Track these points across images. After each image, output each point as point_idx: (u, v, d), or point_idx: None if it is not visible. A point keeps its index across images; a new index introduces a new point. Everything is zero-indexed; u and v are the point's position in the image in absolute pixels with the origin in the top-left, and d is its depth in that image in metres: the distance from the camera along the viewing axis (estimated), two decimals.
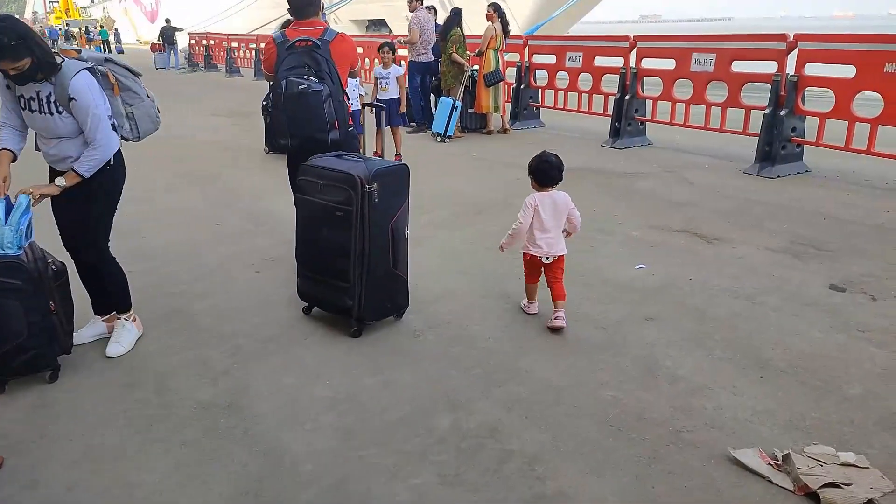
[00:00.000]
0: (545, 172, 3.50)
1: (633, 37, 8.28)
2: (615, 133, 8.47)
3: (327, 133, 3.56)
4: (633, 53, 8.29)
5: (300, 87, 3.47)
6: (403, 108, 7.50)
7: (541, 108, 10.12)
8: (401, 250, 3.36)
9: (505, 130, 9.62)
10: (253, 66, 19.95)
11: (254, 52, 20.40)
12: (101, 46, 29.37)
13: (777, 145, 6.61)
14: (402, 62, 9.44)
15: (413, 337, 3.39)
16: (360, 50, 15.18)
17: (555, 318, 3.41)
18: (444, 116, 8.98)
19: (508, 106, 10.20)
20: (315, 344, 3.35)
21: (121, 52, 31.05)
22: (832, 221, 5.19)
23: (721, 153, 7.69)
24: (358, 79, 7.44)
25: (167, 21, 25.33)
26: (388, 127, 7.62)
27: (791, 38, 6.50)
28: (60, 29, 41.64)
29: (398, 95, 7.41)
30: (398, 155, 7.65)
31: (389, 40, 8.16)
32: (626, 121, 8.33)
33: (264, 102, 3.77)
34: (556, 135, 9.46)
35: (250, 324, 3.57)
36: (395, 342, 3.35)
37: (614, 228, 5.14)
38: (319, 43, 3.58)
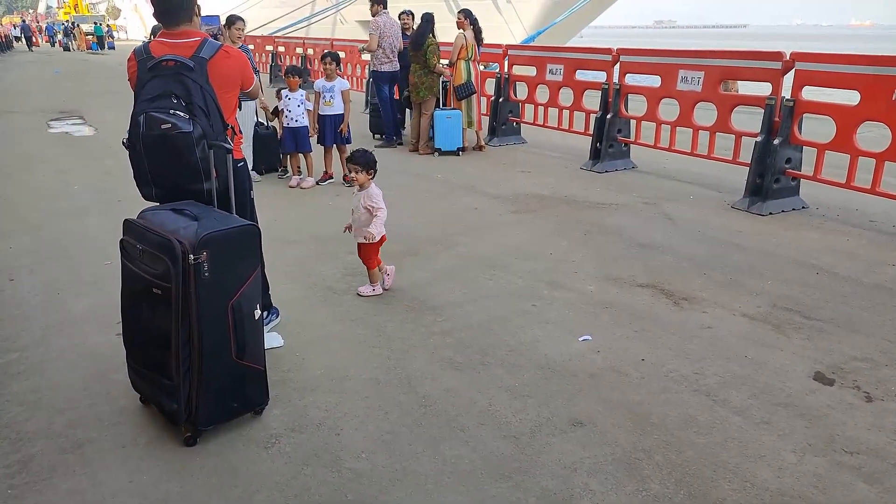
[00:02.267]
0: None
1: (617, 50, 7.49)
2: (595, 155, 7.67)
3: (201, 184, 2.80)
4: (617, 68, 7.50)
5: (163, 126, 2.70)
6: (346, 125, 6.73)
7: (521, 124, 9.33)
8: (249, 334, 2.60)
9: (480, 148, 8.85)
10: None
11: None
12: (96, 44, 28.74)
13: (769, 178, 5.80)
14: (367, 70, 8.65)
15: (264, 447, 2.63)
16: (341, 55, 14.49)
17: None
18: (448, 130, 8.33)
19: (486, 120, 9.44)
20: (133, 456, 2.59)
21: (112, 47, 30.37)
22: (826, 278, 4.37)
23: (712, 181, 6.88)
24: (303, 91, 6.72)
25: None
26: (334, 146, 6.88)
27: (787, 58, 5.69)
28: (59, 25, 41.20)
29: (343, 111, 6.65)
30: (347, 176, 6.90)
31: (333, 50, 7.42)
32: (607, 142, 7.53)
33: (124, 140, 2.95)
34: (534, 154, 8.67)
35: (65, 418, 2.82)
36: (237, 455, 2.59)
37: (567, 280, 4.36)
38: (192, 63, 2.81)
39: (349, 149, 6.89)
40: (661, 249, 4.97)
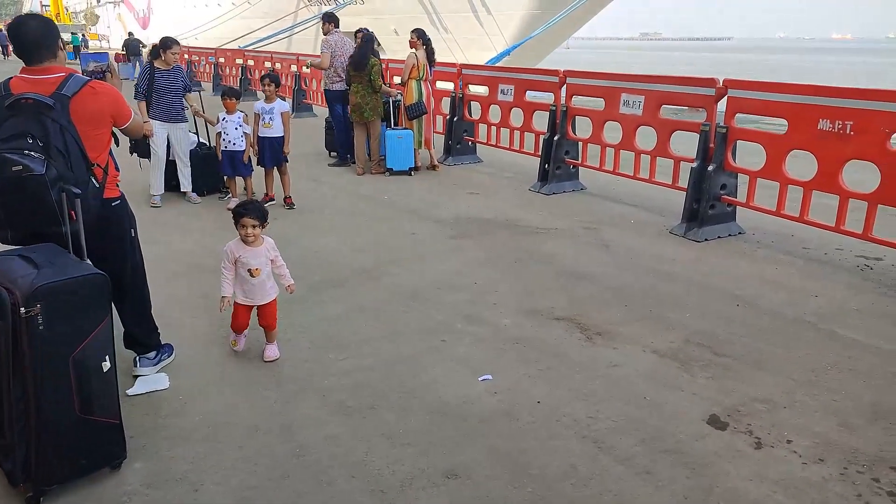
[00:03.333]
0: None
1: (563, 72, 7.45)
2: (544, 176, 7.61)
3: (59, 226, 2.67)
4: (564, 90, 7.46)
5: (14, 168, 2.58)
6: (287, 149, 6.63)
7: (477, 143, 9.27)
8: (97, 388, 2.47)
9: (434, 167, 8.77)
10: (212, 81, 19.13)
11: (213, 66, 19.60)
12: (73, 53, 28.46)
13: (705, 203, 5.76)
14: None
15: None
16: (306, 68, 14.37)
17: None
18: (400, 150, 8.24)
19: (442, 139, 9.37)
20: None
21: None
22: (745, 310, 4.31)
23: (657, 204, 6.83)
24: (241, 114, 6.62)
25: (130, 34, 24.64)
26: (275, 168, 6.77)
27: (720, 84, 5.66)
28: None
29: (283, 133, 6.55)
30: (288, 198, 6.79)
31: (273, 72, 7.33)
32: (555, 163, 7.48)
33: None
34: (487, 174, 8.60)
35: None
36: None
37: (484, 313, 4.26)
38: (52, 101, 2.69)
39: (287, 168, 6.82)
40: (590, 279, 4.89)
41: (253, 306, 3.59)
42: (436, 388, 3.36)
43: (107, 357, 2.48)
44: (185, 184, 6.99)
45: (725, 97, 5.60)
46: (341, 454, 2.83)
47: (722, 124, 5.61)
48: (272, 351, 3.66)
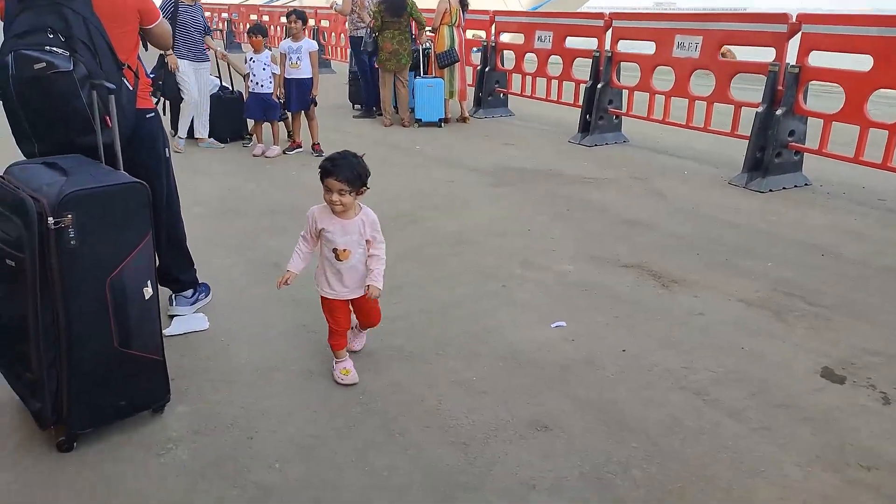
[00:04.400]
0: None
1: (609, 14, 6.96)
2: (585, 127, 7.17)
3: (95, 135, 2.30)
4: (609, 34, 6.97)
5: (37, 65, 2.20)
6: (316, 91, 6.20)
7: (509, 96, 8.80)
8: (137, 318, 2.12)
9: (464, 119, 8.33)
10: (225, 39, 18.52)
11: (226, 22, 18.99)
12: None
13: (771, 152, 5.32)
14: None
15: (156, 454, 2.16)
16: (325, 23, 13.84)
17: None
18: (430, 100, 7.82)
19: (472, 91, 8.90)
20: None
21: None
22: (831, 260, 3.92)
23: (709, 156, 6.41)
24: (268, 52, 6.20)
25: None
26: (301, 113, 6.36)
27: (794, 20, 5.18)
28: None
29: (311, 75, 6.12)
30: (317, 145, 6.39)
31: (299, 9, 6.87)
32: (597, 113, 7.03)
33: None
34: (521, 126, 8.16)
35: None
36: (120, 464, 2.11)
37: (542, 259, 3.89)
38: None
39: (316, 112, 6.40)
40: (649, 227, 4.50)
41: (345, 301, 2.58)
42: (503, 334, 3.01)
43: (148, 282, 2.13)
44: (202, 130, 6.59)
45: (799, 34, 5.12)
46: (410, 402, 2.48)
47: (793, 64, 5.14)
48: (362, 340, 2.84)
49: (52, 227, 1.88)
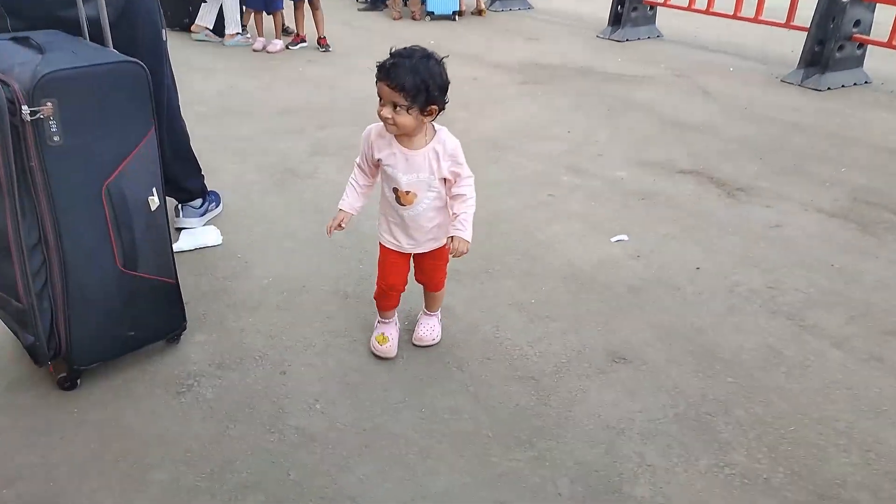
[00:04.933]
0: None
1: None
2: (616, 20, 6.52)
3: (75, 4, 1.83)
4: None
5: None
6: None
7: None
8: (141, 234, 1.73)
9: (480, 12, 7.62)
10: None
11: None
12: None
13: (832, 45, 4.78)
14: None
15: (175, 393, 1.84)
16: None
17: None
18: None
19: None
20: None
21: None
22: None
23: (754, 52, 5.83)
24: None
25: None
26: (305, 2, 5.71)
27: None
28: None
29: None
30: (323, 39, 5.79)
31: None
32: (630, 4, 6.36)
33: None
34: (542, 20, 7.46)
35: None
36: (133, 406, 1.79)
37: (590, 165, 3.47)
38: None
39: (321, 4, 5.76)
40: (703, 130, 4.04)
41: (407, 255, 1.93)
42: (558, 250, 2.64)
43: (154, 189, 1.72)
44: (210, 20, 5.97)
45: None
46: (464, 331, 2.15)
47: None
48: (428, 329, 2.05)
49: (29, 117, 1.46)
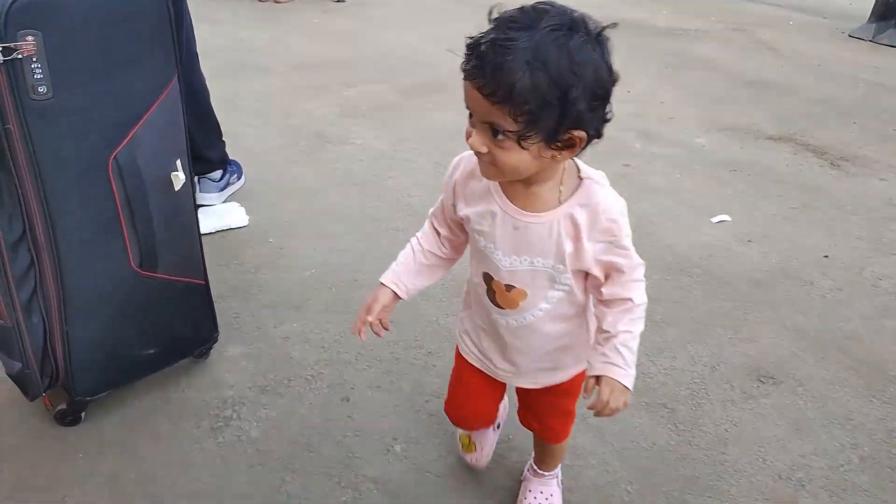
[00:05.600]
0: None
1: None
2: None
3: None
4: None
5: None
6: None
7: None
8: (162, 222, 1.28)
9: None
10: None
11: None
12: None
13: None
14: None
15: (209, 429, 1.41)
16: None
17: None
18: None
19: None
20: None
21: None
22: None
23: (812, 4, 5.33)
24: None
25: None
26: None
27: None
28: None
29: None
30: None
31: None
32: None
33: None
34: None
35: None
36: (154, 447, 1.36)
37: (663, 129, 3.02)
38: None
39: None
40: (779, 89, 3.58)
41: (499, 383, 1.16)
42: (654, 232, 2.20)
43: (177, 161, 1.27)
44: None
45: None
46: None
47: None
48: (538, 496, 1.26)
49: (1, 59, 0.99)
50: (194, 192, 1.37)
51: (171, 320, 1.39)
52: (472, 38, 0.79)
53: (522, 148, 0.80)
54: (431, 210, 1.07)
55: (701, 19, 4.98)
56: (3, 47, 0.99)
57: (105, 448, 1.35)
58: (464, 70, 0.79)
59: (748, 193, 2.48)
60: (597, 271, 0.93)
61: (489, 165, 0.85)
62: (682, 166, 2.68)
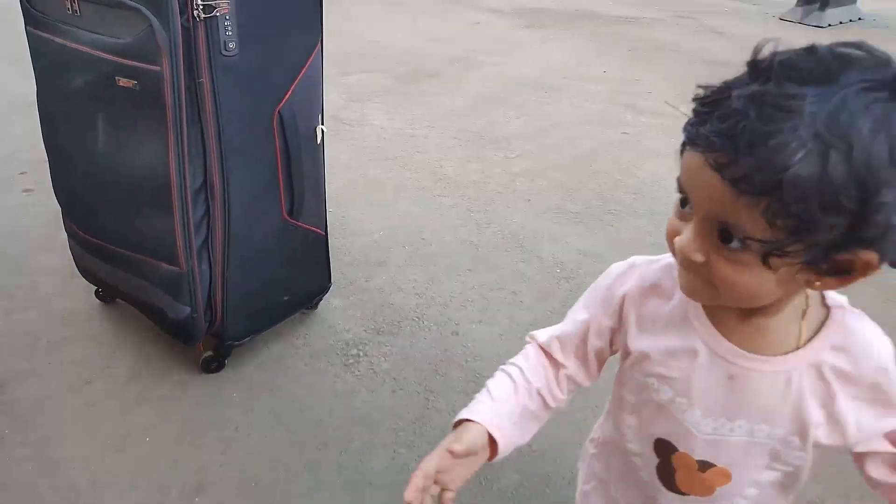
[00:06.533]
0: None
1: None
2: None
3: None
4: None
5: None
6: None
7: None
8: (308, 173, 1.40)
9: None
10: None
11: None
12: None
13: None
14: None
15: (342, 367, 1.53)
16: None
17: None
18: None
19: None
20: (100, 403, 1.43)
21: None
22: None
23: None
24: None
25: None
26: None
27: None
28: None
29: None
30: None
31: None
32: None
33: None
34: None
35: None
36: (301, 379, 1.48)
37: (647, 103, 3.30)
38: None
39: None
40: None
41: None
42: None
43: (319, 116, 1.39)
44: None
45: None
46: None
47: None
48: None
49: (203, 14, 1.10)
50: (324, 145, 1.50)
51: (301, 268, 1.52)
52: (707, 88, 0.54)
53: (766, 266, 0.50)
54: (548, 333, 0.72)
55: (649, 8, 5.35)
56: (204, 5, 1.10)
57: (254, 388, 1.45)
58: (690, 134, 0.54)
59: None
60: (859, 444, 0.61)
61: (702, 282, 0.55)
62: (675, 133, 2.94)
